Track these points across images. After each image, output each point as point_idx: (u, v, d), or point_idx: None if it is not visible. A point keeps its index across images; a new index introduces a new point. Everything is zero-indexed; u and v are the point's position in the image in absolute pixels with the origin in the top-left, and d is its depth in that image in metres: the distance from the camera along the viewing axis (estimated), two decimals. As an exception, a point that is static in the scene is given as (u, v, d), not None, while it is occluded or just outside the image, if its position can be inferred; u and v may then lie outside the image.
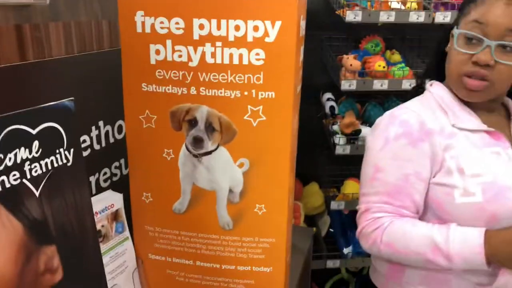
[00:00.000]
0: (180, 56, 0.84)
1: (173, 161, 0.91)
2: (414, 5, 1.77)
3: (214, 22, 0.80)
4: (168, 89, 0.86)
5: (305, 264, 1.23)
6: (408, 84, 1.76)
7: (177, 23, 0.82)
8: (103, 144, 1.07)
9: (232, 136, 0.87)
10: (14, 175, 0.58)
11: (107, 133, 1.08)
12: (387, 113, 1.04)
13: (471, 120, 0.99)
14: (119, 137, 1.12)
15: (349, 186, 1.97)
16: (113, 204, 0.96)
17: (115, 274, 0.95)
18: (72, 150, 0.68)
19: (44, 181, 0.63)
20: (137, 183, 0.96)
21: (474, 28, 0.93)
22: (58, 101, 0.64)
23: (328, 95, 2.04)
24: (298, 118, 0.95)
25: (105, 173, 1.10)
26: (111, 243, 0.95)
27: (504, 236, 0.90)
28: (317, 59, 2.05)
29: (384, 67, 1.77)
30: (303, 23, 0.86)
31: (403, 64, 1.82)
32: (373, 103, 1.95)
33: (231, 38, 0.81)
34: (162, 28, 0.83)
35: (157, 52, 0.85)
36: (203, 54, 0.83)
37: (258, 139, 0.86)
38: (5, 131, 0.57)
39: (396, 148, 0.98)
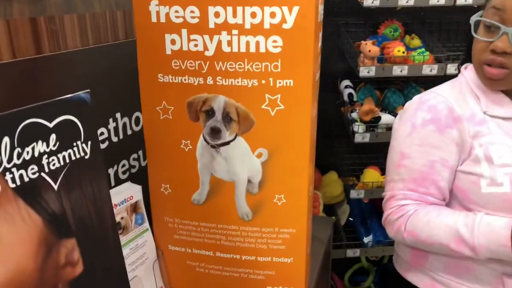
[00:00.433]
0: (196, 45, 0.82)
1: (191, 152, 0.90)
2: (434, -13, 1.71)
3: (229, 9, 0.79)
4: (185, 80, 0.85)
5: (325, 253, 1.22)
6: (428, 69, 1.71)
7: (192, 11, 0.80)
8: (121, 136, 1.07)
9: (250, 126, 0.86)
10: (32, 169, 0.58)
11: (124, 125, 1.08)
12: (416, 97, 1.01)
13: (504, 107, 0.96)
14: (136, 129, 1.12)
15: (369, 175, 1.94)
16: (132, 196, 0.96)
17: (135, 265, 0.95)
18: (89, 142, 0.68)
19: (62, 174, 0.63)
20: (155, 174, 0.95)
21: (493, 15, 0.90)
22: (74, 94, 0.64)
23: (346, 82, 2.01)
24: (317, 106, 0.93)
25: (123, 165, 1.10)
26: (131, 235, 0.95)
27: None
28: (334, 46, 2.02)
29: (403, 52, 1.73)
30: (321, 8, 0.83)
31: (423, 49, 1.77)
32: (393, 89, 1.91)
33: (247, 26, 0.79)
34: (177, 17, 0.81)
35: (173, 42, 0.83)
36: (219, 42, 0.81)
37: (276, 129, 0.85)
38: (22, 125, 0.56)
39: (423, 134, 0.95)
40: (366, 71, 1.71)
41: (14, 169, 0.55)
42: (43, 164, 0.59)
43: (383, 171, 1.95)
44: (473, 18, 0.94)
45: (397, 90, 1.91)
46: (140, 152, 1.15)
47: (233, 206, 0.92)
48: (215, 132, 0.87)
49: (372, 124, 1.78)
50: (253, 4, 0.78)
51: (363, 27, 2.00)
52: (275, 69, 0.81)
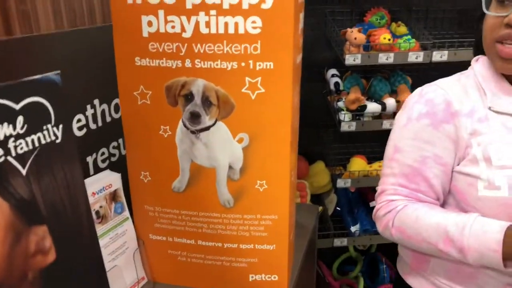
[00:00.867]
0: (173, 27, 0.80)
1: (170, 138, 0.88)
2: (420, -26, 1.70)
3: (207, -11, 0.76)
4: (162, 63, 0.83)
5: (310, 241, 1.20)
6: (414, 56, 1.70)
7: (168, -9, 0.78)
8: (100, 124, 1.05)
9: (230, 110, 0.84)
10: (-2, 152, 0.55)
11: (103, 112, 1.05)
12: (418, 89, 0.94)
13: None
14: (116, 116, 1.09)
15: (355, 164, 1.93)
16: (111, 184, 0.93)
17: (115, 255, 0.93)
18: (61, 126, 0.65)
19: (31, 158, 0.60)
20: (134, 162, 0.93)
21: None
22: (42, 75, 0.61)
23: (333, 71, 1.98)
24: (300, 91, 0.91)
25: (103, 153, 1.07)
26: (110, 223, 0.93)
27: None
28: (321, 35, 1.99)
29: (389, 39, 1.71)
30: (302, -11, 0.81)
31: (409, 36, 1.75)
32: (379, 77, 1.89)
33: (225, 6, 0.77)
34: (153, -3, 0.79)
35: (149, 23, 0.81)
36: (197, 24, 0.79)
37: (257, 113, 0.83)
38: (-15, 106, 0.54)
39: (417, 128, 0.90)
40: (352, 59, 1.69)
41: (-23, 152, 0.53)
42: (9, 148, 0.57)
43: (369, 160, 1.94)
44: None
45: (383, 78, 1.89)
46: (120, 140, 1.12)
47: (215, 193, 0.90)
48: (194, 117, 0.85)
49: (358, 112, 1.77)
50: (231, -16, 0.75)
51: (349, 15, 1.98)
52: (255, 51, 0.79)
